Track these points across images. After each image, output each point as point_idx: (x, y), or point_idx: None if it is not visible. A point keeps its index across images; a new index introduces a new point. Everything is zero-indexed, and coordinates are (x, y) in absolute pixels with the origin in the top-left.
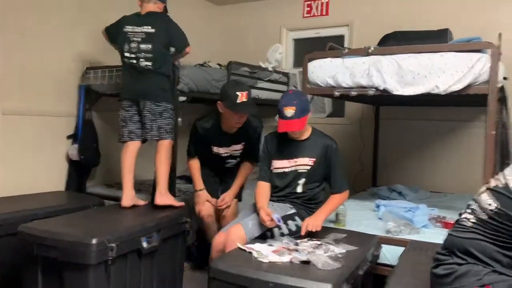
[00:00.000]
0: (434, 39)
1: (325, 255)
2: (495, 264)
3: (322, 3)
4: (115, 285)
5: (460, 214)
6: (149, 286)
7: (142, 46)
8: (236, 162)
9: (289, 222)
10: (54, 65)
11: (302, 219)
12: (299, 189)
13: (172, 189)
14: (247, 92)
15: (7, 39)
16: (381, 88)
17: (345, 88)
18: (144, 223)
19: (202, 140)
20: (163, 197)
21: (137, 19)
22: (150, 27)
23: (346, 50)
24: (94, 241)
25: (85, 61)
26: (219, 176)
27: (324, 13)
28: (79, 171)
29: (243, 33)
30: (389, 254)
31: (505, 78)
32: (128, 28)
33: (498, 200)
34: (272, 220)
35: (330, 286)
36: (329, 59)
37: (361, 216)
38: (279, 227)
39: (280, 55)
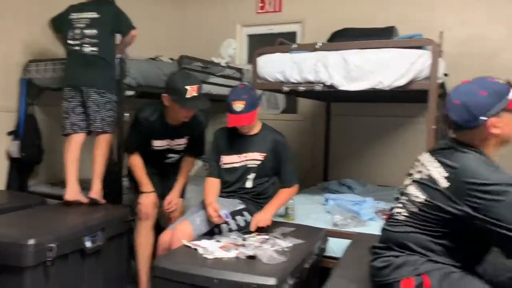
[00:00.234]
0: (380, 36)
1: (271, 249)
2: (429, 254)
3: (275, 0)
4: (55, 287)
5: (392, 209)
6: (94, 287)
7: (87, 31)
8: (178, 157)
9: (238, 217)
10: None
11: (252, 214)
12: (249, 184)
13: (116, 187)
14: (197, 86)
15: None
16: (328, 83)
17: (294, 83)
18: (87, 222)
19: (142, 133)
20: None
21: (83, 6)
22: (95, 13)
23: (294, 46)
24: (31, 241)
25: (28, 53)
26: (159, 173)
27: (277, 10)
28: (20, 169)
29: (199, 28)
30: (336, 247)
31: (446, 75)
32: (73, 15)
33: (425, 192)
34: (219, 216)
35: (274, 280)
36: (278, 54)
37: (311, 210)
38: (227, 223)
39: (234, 51)
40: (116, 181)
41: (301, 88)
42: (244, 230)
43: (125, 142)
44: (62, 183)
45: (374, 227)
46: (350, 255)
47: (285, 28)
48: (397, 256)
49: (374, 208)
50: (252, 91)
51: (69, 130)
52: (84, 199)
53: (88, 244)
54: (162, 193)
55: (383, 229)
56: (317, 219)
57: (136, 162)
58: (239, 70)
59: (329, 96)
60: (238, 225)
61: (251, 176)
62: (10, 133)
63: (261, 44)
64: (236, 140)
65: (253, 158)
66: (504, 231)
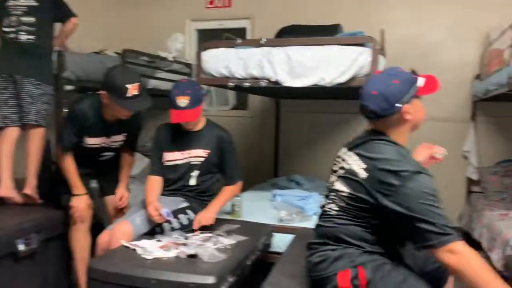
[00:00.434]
0: (326, 33)
1: (213, 247)
2: (364, 244)
3: None
4: None
5: (323, 206)
6: None
7: (24, 19)
8: (113, 154)
9: (181, 216)
10: None
11: (196, 212)
12: (193, 182)
13: (53, 187)
14: (138, 83)
15: None
16: (273, 79)
17: (239, 79)
18: (20, 223)
19: (77, 128)
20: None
21: None
22: (33, 1)
23: (239, 41)
24: None
25: None
26: (93, 173)
27: (226, 5)
28: None
29: (149, 21)
30: (281, 242)
31: None
32: (10, 2)
33: (349, 186)
34: (160, 215)
35: (213, 279)
36: (224, 49)
37: (258, 206)
38: (168, 222)
39: (181, 45)
40: (52, 180)
41: (246, 84)
42: (188, 228)
43: (59, 138)
44: None
45: None
46: (292, 250)
47: (235, 24)
48: (333, 250)
49: (319, 203)
50: (197, 86)
51: (1, 124)
52: (17, 197)
53: (21, 247)
54: (103, 193)
55: (317, 225)
56: (264, 215)
57: (68, 163)
58: (188, 65)
59: (278, 92)
60: (181, 223)
61: (195, 173)
62: None
63: (211, 39)
64: (179, 137)
65: (197, 155)
66: (412, 222)
